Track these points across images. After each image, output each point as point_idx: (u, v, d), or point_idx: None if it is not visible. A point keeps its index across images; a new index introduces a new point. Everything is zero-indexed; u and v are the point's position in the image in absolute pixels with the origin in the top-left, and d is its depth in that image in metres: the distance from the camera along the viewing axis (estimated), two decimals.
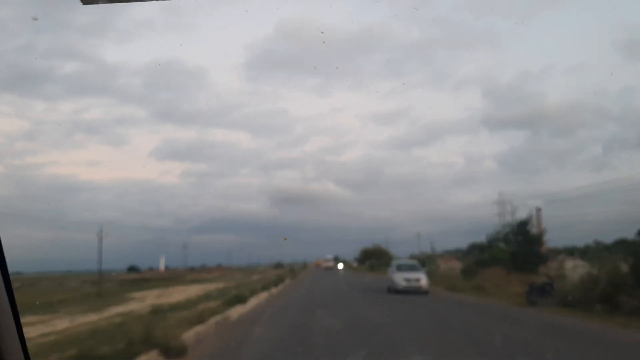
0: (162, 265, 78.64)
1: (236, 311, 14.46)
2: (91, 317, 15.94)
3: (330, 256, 70.98)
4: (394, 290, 18.95)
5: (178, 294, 23.32)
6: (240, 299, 16.47)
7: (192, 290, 24.65)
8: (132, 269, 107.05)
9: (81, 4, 1.35)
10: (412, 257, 33.90)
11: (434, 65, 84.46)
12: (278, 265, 76.37)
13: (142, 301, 21.39)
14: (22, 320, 1.47)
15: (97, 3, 1.37)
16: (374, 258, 55.36)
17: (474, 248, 34.29)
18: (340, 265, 68.34)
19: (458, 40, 69.40)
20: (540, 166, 68.98)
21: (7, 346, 1.27)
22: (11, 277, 1.41)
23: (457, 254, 42.36)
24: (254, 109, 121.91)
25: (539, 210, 31.35)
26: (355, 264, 70.77)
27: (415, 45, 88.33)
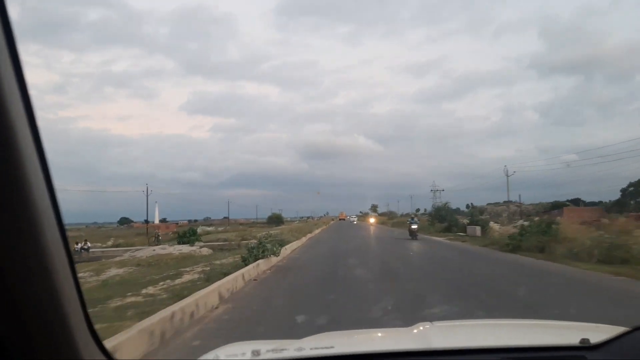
0: (156, 218, 75.75)
1: None
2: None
3: None
4: None
5: None
6: None
7: None
8: (124, 221, 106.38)
9: None
10: None
11: (476, 7, 74.36)
12: (277, 219, 71.89)
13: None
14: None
15: None
16: None
17: None
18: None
19: None
20: (586, 117, 63.41)
21: (80, 343, 1.00)
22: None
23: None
24: (283, 60, 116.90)
25: None
26: None
27: None
